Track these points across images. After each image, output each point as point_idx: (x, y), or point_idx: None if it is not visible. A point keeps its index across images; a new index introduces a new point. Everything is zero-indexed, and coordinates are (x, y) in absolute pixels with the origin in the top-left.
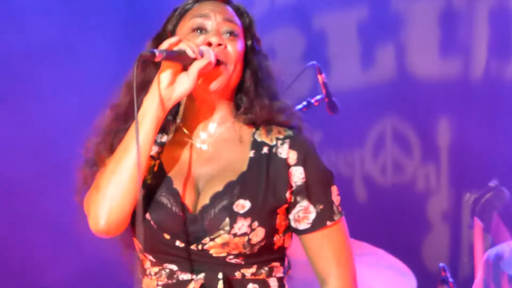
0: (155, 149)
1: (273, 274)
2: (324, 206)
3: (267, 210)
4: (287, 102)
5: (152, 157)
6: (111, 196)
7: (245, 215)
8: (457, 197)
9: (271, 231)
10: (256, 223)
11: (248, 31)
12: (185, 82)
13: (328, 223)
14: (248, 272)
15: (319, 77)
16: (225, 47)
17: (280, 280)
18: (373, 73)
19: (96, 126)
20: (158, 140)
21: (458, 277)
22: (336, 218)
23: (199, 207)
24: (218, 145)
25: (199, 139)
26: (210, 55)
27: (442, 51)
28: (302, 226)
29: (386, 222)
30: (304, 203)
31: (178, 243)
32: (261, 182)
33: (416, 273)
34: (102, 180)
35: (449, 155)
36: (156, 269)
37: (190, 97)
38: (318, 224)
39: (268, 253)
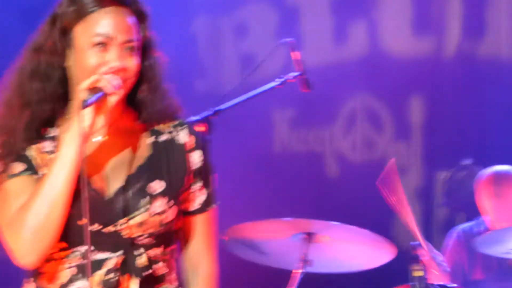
0: (51, 144)
1: (174, 256)
2: (211, 191)
3: (178, 191)
4: (173, 98)
5: (50, 152)
6: (42, 234)
7: (162, 194)
8: (429, 175)
9: (179, 210)
10: (171, 202)
11: (145, 36)
12: (103, 117)
13: (213, 206)
14: (158, 251)
15: (293, 54)
16: (125, 69)
17: (177, 262)
18: (346, 50)
19: None
20: (51, 134)
21: None
22: (216, 204)
23: (112, 190)
24: (116, 137)
25: (96, 133)
26: (120, 87)
27: (415, 28)
28: (192, 206)
29: (357, 199)
30: (198, 184)
31: (94, 226)
32: (168, 164)
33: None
34: (26, 219)
35: (421, 132)
36: (67, 252)
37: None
38: (206, 206)
39: (173, 234)
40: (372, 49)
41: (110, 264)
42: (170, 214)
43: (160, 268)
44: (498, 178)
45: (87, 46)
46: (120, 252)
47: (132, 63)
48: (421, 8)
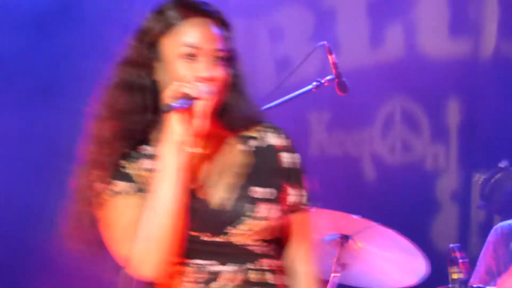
0: (149, 162)
1: (280, 266)
2: (304, 190)
3: (277, 194)
4: (257, 103)
5: (149, 169)
6: (160, 248)
7: (264, 199)
8: (467, 177)
9: (281, 215)
10: (274, 206)
11: (230, 46)
12: (195, 125)
13: (305, 207)
14: (266, 261)
15: (330, 57)
16: (214, 79)
17: (283, 272)
18: (382, 52)
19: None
20: (148, 152)
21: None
22: (309, 204)
23: (216, 199)
24: (206, 146)
25: (190, 143)
26: (208, 94)
27: (451, 30)
28: (288, 206)
29: (395, 202)
30: (292, 184)
31: (204, 237)
32: (264, 168)
33: (426, 254)
34: (147, 231)
35: (459, 135)
36: (179, 267)
37: None
38: (300, 205)
39: (280, 242)
40: (408, 51)
41: (225, 276)
42: (275, 218)
43: (273, 278)
44: None
45: (175, 57)
46: (233, 263)
47: (220, 72)
48: (458, 9)
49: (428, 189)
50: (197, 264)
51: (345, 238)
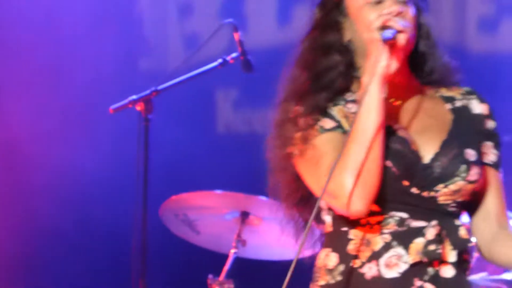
0: (354, 106)
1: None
2: (500, 156)
3: (481, 159)
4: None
5: (355, 112)
6: (366, 181)
7: (475, 163)
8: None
9: (482, 178)
10: (481, 170)
11: None
12: (394, 62)
13: (500, 171)
14: (462, 220)
15: (235, 35)
16: (405, 14)
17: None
18: (290, 31)
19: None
20: (349, 99)
21: None
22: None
23: (428, 155)
24: (411, 101)
25: (390, 96)
26: (405, 27)
27: None
28: (486, 160)
29: None
30: (488, 143)
31: (414, 190)
32: (471, 131)
33: None
34: (346, 165)
35: None
36: (379, 217)
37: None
38: (496, 165)
39: (476, 205)
40: None
41: (429, 234)
42: (480, 183)
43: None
44: None
45: (362, 5)
46: (435, 222)
47: (410, 11)
48: None
49: None
50: (400, 217)
51: (245, 214)
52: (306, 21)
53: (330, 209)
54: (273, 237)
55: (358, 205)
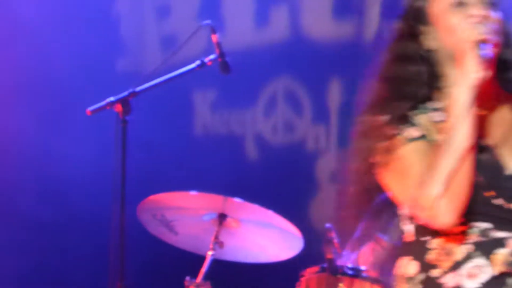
0: (439, 115)
1: None
2: None
3: None
4: None
5: (440, 121)
6: (454, 190)
7: None
8: (345, 158)
9: None
10: None
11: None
12: (486, 72)
13: None
14: None
15: (213, 36)
16: (489, 18)
17: None
18: (267, 32)
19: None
20: (433, 107)
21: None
22: None
23: (510, 165)
24: (494, 110)
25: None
26: (494, 33)
27: (335, 12)
28: None
29: (276, 181)
30: None
31: (498, 200)
32: None
33: (303, 233)
34: (437, 176)
35: (339, 116)
36: (462, 228)
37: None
38: None
39: None
40: (292, 32)
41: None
42: None
43: None
44: None
45: (445, 9)
46: None
47: (496, 14)
48: None
49: (308, 169)
50: (483, 227)
51: (223, 216)
52: (283, 23)
53: (412, 218)
54: (250, 240)
55: (447, 218)
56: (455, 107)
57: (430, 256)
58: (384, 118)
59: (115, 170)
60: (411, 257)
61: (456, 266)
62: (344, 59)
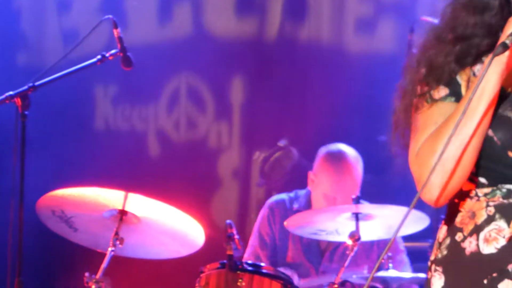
0: (481, 67)
1: None
2: None
3: None
4: None
5: (477, 73)
6: (449, 168)
7: None
8: (247, 155)
9: None
10: None
11: None
12: None
13: None
14: None
15: (115, 31)
16: None
17: None
18: (170, 29)
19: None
20: (483, 58)
21: (245, 233)
22: None
23: None
24: None
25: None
26: None
27: (238, 10)
28: None
29: (178, 178)
30: None
31: None
32: None
33: (204, 229)
34: (435, 146)
35: (241, 113)
36: (487, 189)
37: None
38: None
39: None
40: (195, 29)
41: None
42: None
43: None
44: (335, 156)
45: None
46: None
47: None
48: None
49: (210, 165)
50: (507, 189)
51: (123, 212)
52: (186, 19)
53: None
54: (151, 236)
55: (431, 195)
56: (479, 81)
57: (457, 219)
58: (424, 72)
59: (14, 165)
60: (444, 221)
61: (477, 229)
62: (247, 56)
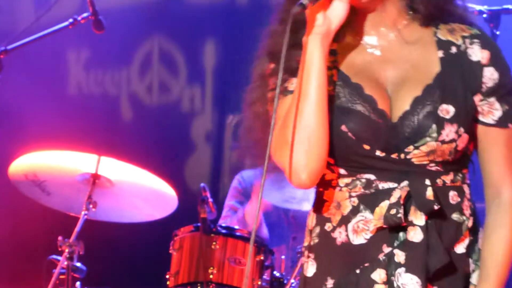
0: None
1: (466, 181)
2: (509, 108)
3: (470, 114)
4: None
5: (327, 67)
6: (305, 149)
7: (451, 120)
8: (220, 118)
9: (471, 136)
10: (462, 129)
11: None
12: (339, 8)
13: (510, 125)
14: (447, 179)
15: None
16: None
17: (469, 187)
18: None
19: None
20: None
21: (219, 197)
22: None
23: (398, 113)
24: (396, 48)
25: (369, 44)
26: None
27: None
28: (486, 119)
29: (151, 142)
30: (491, 99)
31: (378, 153)
32: (458, 84)
33: (178, 193)
34: (287, 133)
35: (214, 77)
36: (347, 180)
37: (351, 9)
38: (502, 122)
39: (463, 159)
40: None
41: (393, 197)
42: (461, 142)
43: (450, 197)
44: None
45: None
46: (404, 183)
47: None
48: None
49: (183, 129)
50: (367, 179)
51: (96, 176)
52: None
53: None
54: (124, 199)
55: (300, 178)
56: (305, 59)
57: (324, 209)
58: (273, 66)
59: None
60: (312, 209)
61: (344, 220)
62: (219, 19)
